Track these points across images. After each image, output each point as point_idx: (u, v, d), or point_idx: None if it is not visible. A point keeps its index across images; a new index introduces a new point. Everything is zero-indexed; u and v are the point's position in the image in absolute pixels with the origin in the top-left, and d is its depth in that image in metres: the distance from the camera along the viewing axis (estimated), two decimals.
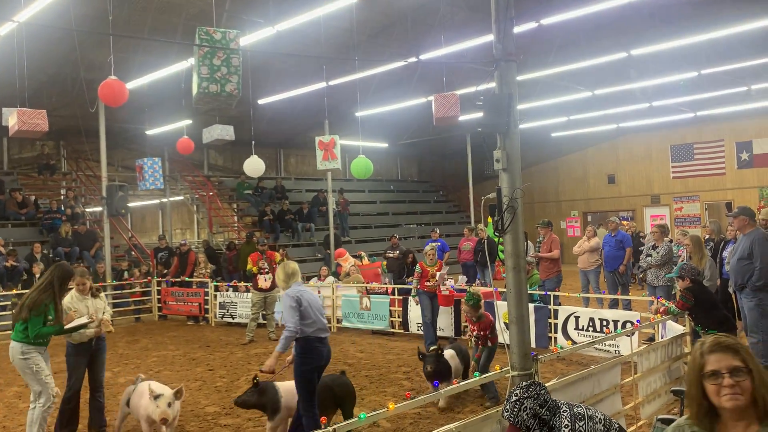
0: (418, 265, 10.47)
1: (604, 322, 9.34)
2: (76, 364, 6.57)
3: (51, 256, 15.53)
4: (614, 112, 20.93)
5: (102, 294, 6.90)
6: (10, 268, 14.60)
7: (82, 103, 14.94)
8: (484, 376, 4.92)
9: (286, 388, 6.07)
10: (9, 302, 13.58)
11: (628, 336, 7.60)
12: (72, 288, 6.60)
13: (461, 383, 4.69)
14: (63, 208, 17.56)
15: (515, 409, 3.64)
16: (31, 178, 19.34)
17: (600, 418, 3.73)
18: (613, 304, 11.07)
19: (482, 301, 7.54)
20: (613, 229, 12.13)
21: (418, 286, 10.23)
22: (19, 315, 6.02)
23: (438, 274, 10.19)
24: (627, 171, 24.93)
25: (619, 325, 9.03)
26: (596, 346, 8.24)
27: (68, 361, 6.60)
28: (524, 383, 3.82)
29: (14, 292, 13.77)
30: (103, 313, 6.67)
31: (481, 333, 7.24)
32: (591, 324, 9.50)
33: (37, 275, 14.45)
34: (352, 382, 6.54)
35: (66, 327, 6.16)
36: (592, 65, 15.31)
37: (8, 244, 15.79)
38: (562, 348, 6.28)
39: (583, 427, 3.66)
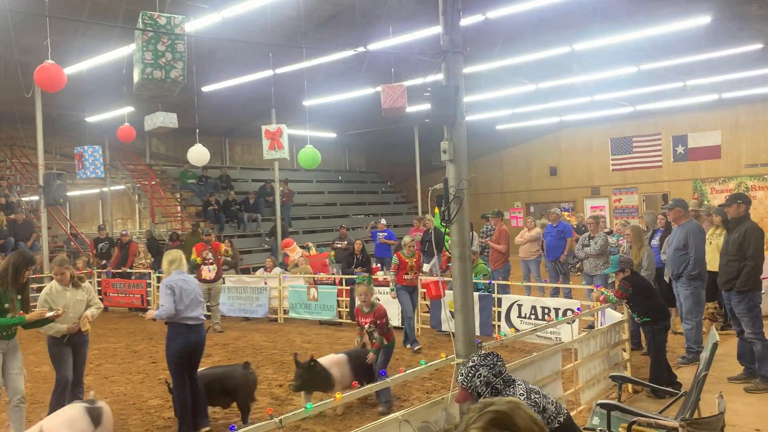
0: (395, 256, 9.89)
1: (546, 310, 9.59)
2: (59, 354, 6.30)
3: None
4: (557, 105, 21.38)
5: (86, 284, 6.43)
6: None
7: (16, 87, 14.33)
8: (427, 366, 4.97)
9: (332, 361, 6.68)
10: None
11: (568, 323, 7.83)
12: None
13: (407, 371, 4.74)
14: None
15: (470, 375, 3.84)
16: None
17: (552, 401, 3.84)
18: (555, 293, 11.37)
19: (373, 291, 7.26)
20: (554, 220, 12.46)
21: (395, 279, 9.67)
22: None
23: (425, 266, 9.95)
24: (568, 163, 25.55)
25: (560, 312, 9.29)
26: (538, 333, 8.45)
27: (51, 353, 6.32)
28: (482, 353, 3.99)
29: None
30: (87, 306, 6.34)
31: (378, 321, 6.86)
32: (533, 312, 9.74)
33: None
34: (254, 373, 6.59)
35: (29, 318, 5.83)
36: (536, 59, 15.58)
37: None
38: (505, 336, 6.43)
39: (538, 399, 3.77)
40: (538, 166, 26.29)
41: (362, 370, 6.82)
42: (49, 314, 5.96)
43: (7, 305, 5.77)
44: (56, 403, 6.09)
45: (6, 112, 16.88)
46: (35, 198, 17.02)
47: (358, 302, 7.22)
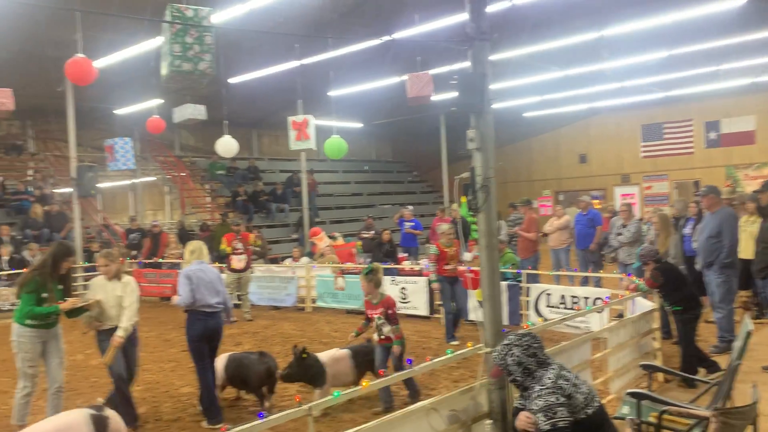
0: (434, 246, 9.57)
1: (575, 299, 9.51)
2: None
3: (20, 238, 15.26)
4: (586, 92, 21.07)
5: (126, 279, 6.19)
6: None
7: (48, 81, 14.60)
8: (454, 355, 4.97)
9: (332, 357, 6.52)
10: None
11: (598, 313, 7.77)
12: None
13: (435, 360, 4.74)
14: (31, 189, 17.23)
15: (503, 353, 3.98)
16: None
17: (585, 391, 3.83)
18: (584, 282, 11.26)
19: (379, 274, 6.69)
20: (584, 208, 12.31)
21: (436, 271, 9.32)
22: (17, 294, 6.00)
23: (466, 255, 9.54)
24: (598, 150, 25.21)
25: (590, 302, 9.21)
26: (567, 322, 8.38)
27: (100, 348, 6.31)
28: (520, 332, 4.10)
29: None
30: (118, 305, 6.06)
31: (389, 311, 6.49)
32: (562, 301, 9.66)
33: (6, 257, 14.20)
34: (267, 362, 6.56)
35: (62, 308, 5.95)
36: (565, 45, 15.36)
37: None
38: (533, 325, 6.38)
39: (566, 385, 3.79)
40: (567, 154, 25.98)
41: (368, 366, 6.63)
42: (81, 304, 6.09)
43: (45, 295, 5.92)
44: (120, 402, 6.01)
45: (39, 106, 17.20)
46: (68, 190, 17.34)
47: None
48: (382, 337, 6.44)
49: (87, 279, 14.87)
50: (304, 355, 6.32)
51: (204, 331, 6.38)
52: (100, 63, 12.53)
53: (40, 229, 15.83)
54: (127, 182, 23.83)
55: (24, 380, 5.99)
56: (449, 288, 9.26)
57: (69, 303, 6.01)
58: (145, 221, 20.96)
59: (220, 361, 6.72)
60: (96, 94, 16.50)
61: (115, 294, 6.08)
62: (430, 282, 9.78)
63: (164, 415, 6.63)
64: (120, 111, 17.79)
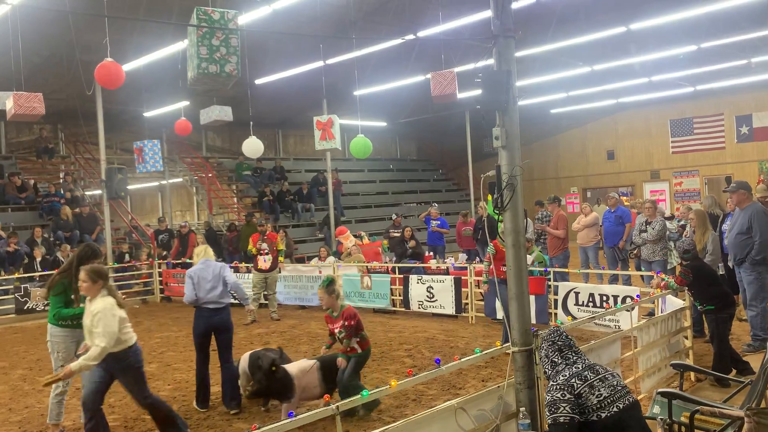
0: (491, 245, 8.88)
1: (604, 298, 9.40)
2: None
3: (51, 239, 15.56)
4: (613, 87, 20.83)
5: (101, 301, 5.41)
6: (12, 252, 14.63)
7: (78, 85, 14.82)
8: (482, 354, 4.93)
9: (299, 369, 6.20)
10: (11, 286, 13.64)
11: (627, 311, 7.66)
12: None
13: (462, 359, 4.71)
14: (62, 192, 17.56)
15: (539, 349, 4.32)
16: (29, 161, 19.29)
17: (604, 394, 3.81)
18: (613, 280, 11.13)
19: (336, 285, 6.43)
20: (613, 205, 12.17)
21: (488, 272, 8.72)
22: (45, 297, 6.14)
23: (528, 257, 9.22)
24: (626, 146, 24.88)
25: (619, 300, 9.10)
26: (596, 321, 8.29)
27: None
28: (551, 328, 4.35)
29: (16, 276, 13.82)
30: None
31: (347, 323, 6.21)
32: (591, 299, 9.56)
33: (38, 258, 14.49)
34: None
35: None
36: (591, 40, 15.19)
37: (9, 228, 15.81)
38: (562, 323, 6.33)
39: (578, 384, 3.88)
40: (595, 150, 25.69)
41: (333, 377, 6.29)
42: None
43: (72, 296, 6.02)
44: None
45: (69, 109, 17.52)
46: (98, 192, 17.64)
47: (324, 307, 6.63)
48: (348, 348, 6.19)
49: (117, 280, 15.16)
50: (273, 368, 5.98)
51: (207, 326, 6.81)
52: (128, 66, 12.72)
53: (72, 230, 16.11)
54: (156, 184, 24.17)
55: None
56: (506, 291, 8.89)
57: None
58: (174, 222, 21.23)
59: (243, 361, 6.82)
60: (124, 98, 16.76)
61: (86, 320, 5.38)
62: (484, 282, 9.23)
63: (194, 413, 6.71)
64: (148, 113, 18.03)
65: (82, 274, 5.42)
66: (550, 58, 17.59)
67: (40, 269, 14.20)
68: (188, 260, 15.15)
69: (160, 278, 15.48)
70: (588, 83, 20.34)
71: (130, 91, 14.57)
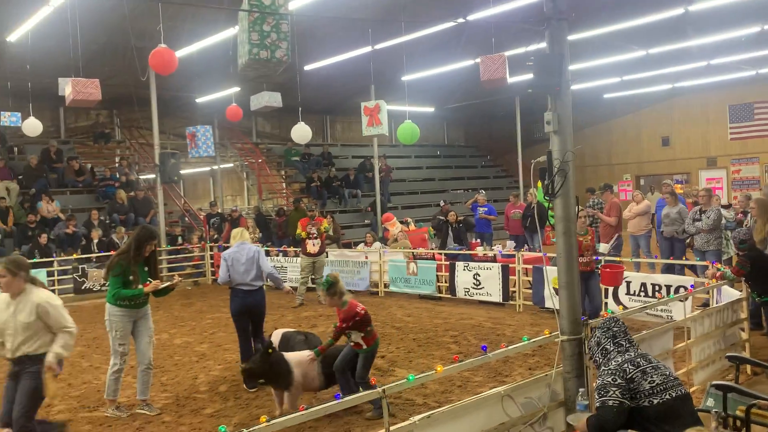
0: None
1: (657, 287, 9.18)
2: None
3: (108, 222, 16.05)
4: (669, 71, 20.15)
5: (37, 294, 4.87)
6: (70, 234, 15.17)
7: (133, 71, 15.19)
8: (530, 342, 4.87)
9: (300, 359, 6.04)
10: (70, 267, 14.14)
11: (681, 301, 7.46)
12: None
13: (510, 347, 4.67)
14: (118, 176, 18.08)
15: (590, 336, 4.34)
16: (86, 146, 19.92)
17: (657, 381, 3.76)
18: (666, 269, 10.86)
19: (339, 285, 6.05)
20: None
21: None
22: (105, 277, 6.30)
23: (602, 246, 8.44)
24: (682, 132, 24.11)
25: (672, 290, 8.87)
26: (648, 311, 8.10)
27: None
28: (607, 317, 4.35)
29: (74, 257, 14.33)
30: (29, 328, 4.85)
31: (342, 325, 5.92)
32: (643, 289, 9.35)
33: (95, 240, 14.98)
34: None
35: (145, 290, 6.22)
36: (647, 23, 14.72)
37: (67, 210, 16.39)
38: (613, 313, 6.21)
39: (630, 370, 3.86)
40: (649, 136, 24.98)
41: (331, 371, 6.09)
42: (163, 285, 6.38)
43: (131, 277, 6.20)
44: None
45: (125, 95, 17.97)
46: (152, 176, 18.08)
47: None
48: (352, 343, 6.00)
49: (170, 262, 15.57)
50: (270, 350, 5.89)
51: (242, 306, 7.12)
52: (181, 53, 12.94)
53: (127, 213, 16.60)
54: (207, 169, 24.64)
55: (115, 357, 6.32)
56: (582, 284, 7.77)
57: (152, 285, 6.27)
58: (225, 206, 21.64)
59: (275, 338, 6.84)
60: (177, 84, 17.08)
61: (17, 319, 4.75)
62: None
63: (244, 393, 6.85)
64: (200, 99, 18.35)
65: (1, 269, 4.70)
66: (604, 42, 17.12)
67: (96, 251, 14.68)
68: None
69: (212, 261, 15.81)
70: (643, 67, 19.73)
71: (182, 77, 14.82)
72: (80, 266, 14.12)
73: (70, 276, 14.07)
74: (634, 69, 20.06)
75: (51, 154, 17.76)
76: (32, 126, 14.64)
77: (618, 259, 10.33)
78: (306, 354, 6.07)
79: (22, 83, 14.85)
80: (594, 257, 8.56)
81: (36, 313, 4.70)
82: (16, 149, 17.98)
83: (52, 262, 14.03)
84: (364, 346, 5.93)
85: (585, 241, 8.22)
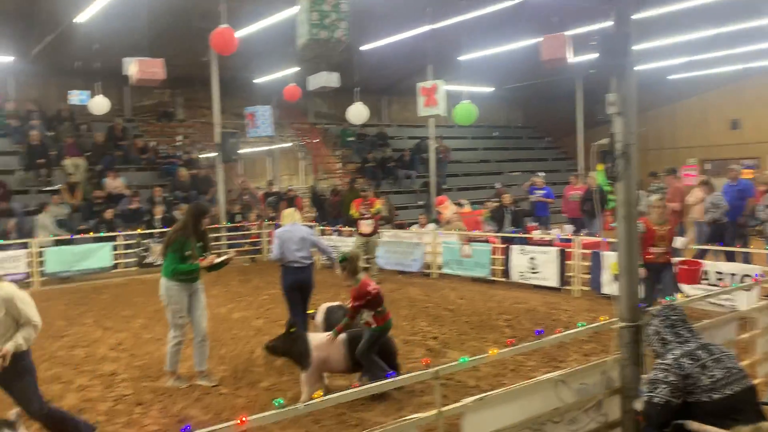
0: (641, 224, 7.36)
1: (720, 276, 8.88)
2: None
3: (170, 199, 16.52)
4: (741, 51, 19.26)
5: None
6: (134, 209, 15.69)
7: (195, 51, 15.53)
8: (586, 328, 4.79)
9: (320, 340, 6.06)
10: (134, 241, 14.65)
11: (745, 291, 7.20)
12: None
13: (565, 332, 4.61)
14: (180, 154, 18.55)
15: (648, 325, 4.20)
16: (150, 124, 20.48)
17: (718, 376, 3.65)
18: (730, 257, 10.48)
19: (355, 263, 6.06)
20: (734, 178, 11.41)
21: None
22: (162, 253, 6.49)
23: (679, 240, 7.61)
24: (753, 115, 23.03)
25: (737, 279, 8.56)
26: (710, 299, 7.84)
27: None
28: (665, 304, 4.22)
29: (139, 231, 14.83)
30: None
31: (355, 303, 5.93)
32: (705, 277, 9.05)
33: (158, 216, 15.45)
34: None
35: (202, 265, 6.45)
36: (718, 0, 14.09)
37: (131, 187, 16.94)
38: (672, 300, 6.04)
39: (688, 365, 3.74)
40: (717, 119, 23.99)
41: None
42: (219, 260, 6.59)
43: (188, 252, 6.39)
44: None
45: (187, 75, 18.36)
46: (213, 155, 18.48)
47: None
48: (362, 321, 6.03)
49: (228, 239, 15.95)
50: (292, 330, 6.04)
51: (293, 282, 7.49)
52: (240, 33, 13.11)
53: (188, 191, 17.04)
54: (265, 148, 25.00)
55: (174, 330, 6.54)
56: (653, 278, 7.51)
57: (208, 260, 6.50)
58: (282, 185, 21.96)
59: (320, 313, 7.12)
60: (237, 64, 17.34)
61: None
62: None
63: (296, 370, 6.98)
64: (259, 80, 18.58)
65: None
66: (672, 20, 16.47)
67: (159, 226, 15.16)
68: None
69: (268, 238, 16.10)
70: (713, 47, 18.91)
71: (242, 57, 15.02)
72: (143, 241, 14.61)
73: (134, 250, 14.58)
74: (702, 49, 19.25)
75: (117, 131, 18.35)
76: (99, 104, 15.15)
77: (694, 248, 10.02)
78: (339, 336, 6.04)
79: (90, 63, 15.34)
80: (670, 249, 7.78)
81: (5, 309, 4.55)
82: (84, 127, 18.64)
83: (117, 236, 14.56)
84: (374, 325, 5.93)
85: (660, 231, 7.61)
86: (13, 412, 4.46)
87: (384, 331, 6.02)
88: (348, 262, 6.04)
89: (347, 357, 6.02)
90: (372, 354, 5.92)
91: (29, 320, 4.63)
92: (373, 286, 6.03)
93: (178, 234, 6.47)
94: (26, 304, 4.66)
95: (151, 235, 14.77)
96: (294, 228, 7.63)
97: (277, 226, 15.86)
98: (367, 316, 5.95)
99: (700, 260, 8.47)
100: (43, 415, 4.75)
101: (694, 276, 7.94)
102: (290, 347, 5.98)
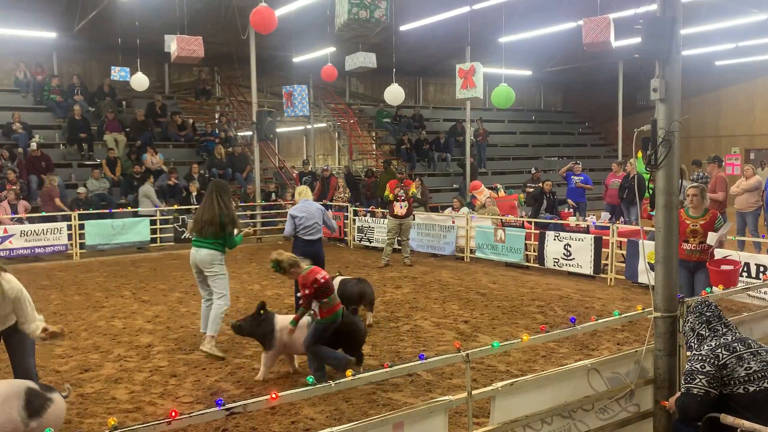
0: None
1: (761, 268, 8.67)
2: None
3: (207, 176, 16.74)
4: None
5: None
6: (172, 185, 15.95)
7: (234, 30, 15.60)
8: (621, 317, 4.72)
9: (283, 323, 6.01)
10: (171, 216, 14.90)
11: None
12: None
13: (599, 321, 4.56)
14: (217, 131, 18.74)
15: (684, 321, 4.17)
16: (188, 102, 20.72)
17: (755, 368, 3.61)
18: None
19: (283, 263, 5.82)
20: None
21: None
22: (217, 229, 6.59)
23: (714, 236, 6.44)
24: None
25: None
26: (750, 292, 7.68)
27: None
28: (698, 299, 4.18)
29: (175, 207, 15.07)
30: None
31: (305, 292, 5.75)
32: (746, 269, 8.84)
33: (194, 193, 15.66)
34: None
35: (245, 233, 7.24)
36: None
37: (170, 163, 17.21)
38: (711, 292, 5.92)
39: (724, 355, 3.70)
40: (764, 108, 23.28)
41: (330, 340, 5.86)
42: (243, 230, 7.22)
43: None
44: None
45: (225, 53, 18.49)
46: (249, 133, 18.62)
47: None
48: (312, 312, 5.89)
49: (263, 217, 16.11)
50: (261, 311, 5.99)
51: (304, 253, 7.34)
52: (279, 12, 13.11)
53: (225, 168, 17.23)
54: (301, 128, 25.13)
55: (226, 300, 6.78)
56: (687, 277, 6.70)
57: (244, 231, 7.19)
58: (317, 165, 22.05)
59: (335, 283, 7.23)
60: (275, 43, 17.39)
61: None
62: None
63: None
64: (296, 59, 18.63)
65: None
66: (719, 4, 16.00)
67: (195, 203, 15.38)
68: (329, 202, 15.77)
69: None
70: (761, 33, 18.31)
71: (280, 36, 15.05)
72: (180, 216, 14.86)
73: (171, 225, 14.84)
74: (750, 35, 18.66)
75: (156, 108, 18.62)
76: (140, 81, 15.36)
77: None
78: (304, 319, 5.96)
79: (131, 40, 15.55)
80: (706, 246, 6.69)
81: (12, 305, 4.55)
82: (124, 103, 18.94)
83: (156, 211, 14.83)
84: (318, 317, 5.77)
85: (694, 224, 6.67)
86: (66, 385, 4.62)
87: (329, 323, 5.78)
88: (278, 264, 5.83)
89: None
90: (316, 347, 5.74)
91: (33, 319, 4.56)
92: (322, 275, 5.85)
93: (233, 211, 6.78)
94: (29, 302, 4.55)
95: (187, 211, 15.01)
96: (307, 204, 8.13)
97: None
98: (314, 305, 5.79)
99: (737, 260, 7.29)
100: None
101: (731, 278, 6.67)
102: (255, 328, 5.98)
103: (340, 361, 5.67)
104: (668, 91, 4.34)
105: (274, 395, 3.19)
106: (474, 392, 3.69)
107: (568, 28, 16.91)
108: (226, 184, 7.32)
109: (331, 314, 5.78)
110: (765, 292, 8.28)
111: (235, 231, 6.82)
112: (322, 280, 5.80)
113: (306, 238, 7.97)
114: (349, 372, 3.51)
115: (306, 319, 5.97)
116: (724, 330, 3.90)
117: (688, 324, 4.04)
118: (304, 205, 8.11)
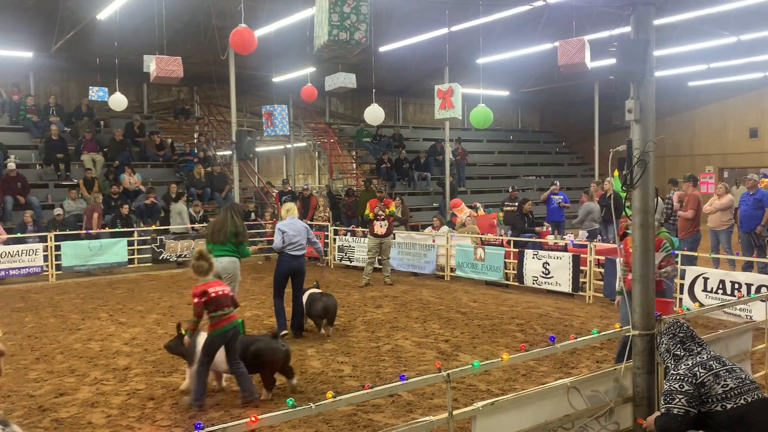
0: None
1: (736, 285, 8.80)
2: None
3: (186, 195, 16.63)
4: (762, 59, 19.08)
5: None
6: (150, 205, 15.81)
7: (213, 50, 15.61)
8: (599, 335, 4.77)
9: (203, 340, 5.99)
10: (149, 237, 14.76)
11: (762, 301, 7.12)
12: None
13: (578, 339, 4.59)
14: (196, 151, 18.66)
15: (659, 344, 4.25)
16: (167, 121, 20.63)
17: (731, 385, 3.65)
18: (747, 267, 10.39)
19: (203, 261, 5.84)
20: (752, 187, 11.31)
21: (623, 281, 6.00)
22: (234, 239, 7.77)
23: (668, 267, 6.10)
24: None
25: (753, 289, 8.48)
26: (726, 309, 7.79)
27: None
28: (669, 321, 4.24)
29: (153, 228, 14.93)
30: None
31: (194, 300, 5.77)
32: (721, 286, 8.97)
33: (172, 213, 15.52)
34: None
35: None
36: (739, 7, 13.98)
37: (148, 183, 17.07)
38: (688, 310, 6.00)
39: (701, 373, 3.76)
40: (736, 127, 23.77)
41: (250, 358, 5.96)
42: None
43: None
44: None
45: (204, 73, 18.48)
46: (229, 152, 18.57)
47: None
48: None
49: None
50: (183, 332, 5.99)
51: (288, 269, 8.34)
52: (259, 32, 13.17)
53: (203, 188, 17.14)
54: (281, 147, 25.12)
55: None
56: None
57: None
58: (297, 185, 22.03)
59: (305, 297, 8.39)
60: (255, 63, 17.43)
61: None
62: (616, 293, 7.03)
63: (309, 369, 7.01)
64: (276, 79, 18.68)
65: None
66: (692, 27, 16.37)
67: (174, 223, 15.25)
68: (309, 222, 15.71)
69: None
70: (733, 54, 18.76)
71: (260, 56, 15.10)
72: (159, 237, 14.72)
73: (149, 246, 14.69)
74: (722, 56, 19.12)
75: (135, 128, 18.50)
76: (118, 101, 15.28)
77: (696, 254, 9.90)
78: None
79: (110, 60, 15.49)
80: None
81: None
82: (102, 123, 18.80)
83: (133, 232, 14.68)
84: (207, 331, 5.82)
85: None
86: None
87: (217, 337, 5.75)
88: (202, 259, 5.84)
89: (226, 359, 5.93)
90: (201, 368, 5.80)
91: None
92: (215, 288, 5.78)
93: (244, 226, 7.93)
94: None
95: (166, 231, 14.87)
96: (294, 221, 8.47)
97: None
98: (206, 317, 5.79)
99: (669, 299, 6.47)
100: None
101: (666, 308, 5.58)
102: (180, 347, 6.14)
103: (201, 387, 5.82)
104: (643, 112, 4.43)
105: (253, 418, 3.16)
106: (455, 412, 3.70)
107: (544, 50, 17.18)
108: (241, 206, 7.87)
109: (217, 328, 5.77)
110: (740, 309, 8.40)
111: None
112: (213, 294, 5.71)
113: (292, 253, 8.34)
114: (329, 393, 3.50)
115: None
116: (699, 349, 3.96)
117: (663, 345, 4.11)
118: (291, 221, 8.44)
